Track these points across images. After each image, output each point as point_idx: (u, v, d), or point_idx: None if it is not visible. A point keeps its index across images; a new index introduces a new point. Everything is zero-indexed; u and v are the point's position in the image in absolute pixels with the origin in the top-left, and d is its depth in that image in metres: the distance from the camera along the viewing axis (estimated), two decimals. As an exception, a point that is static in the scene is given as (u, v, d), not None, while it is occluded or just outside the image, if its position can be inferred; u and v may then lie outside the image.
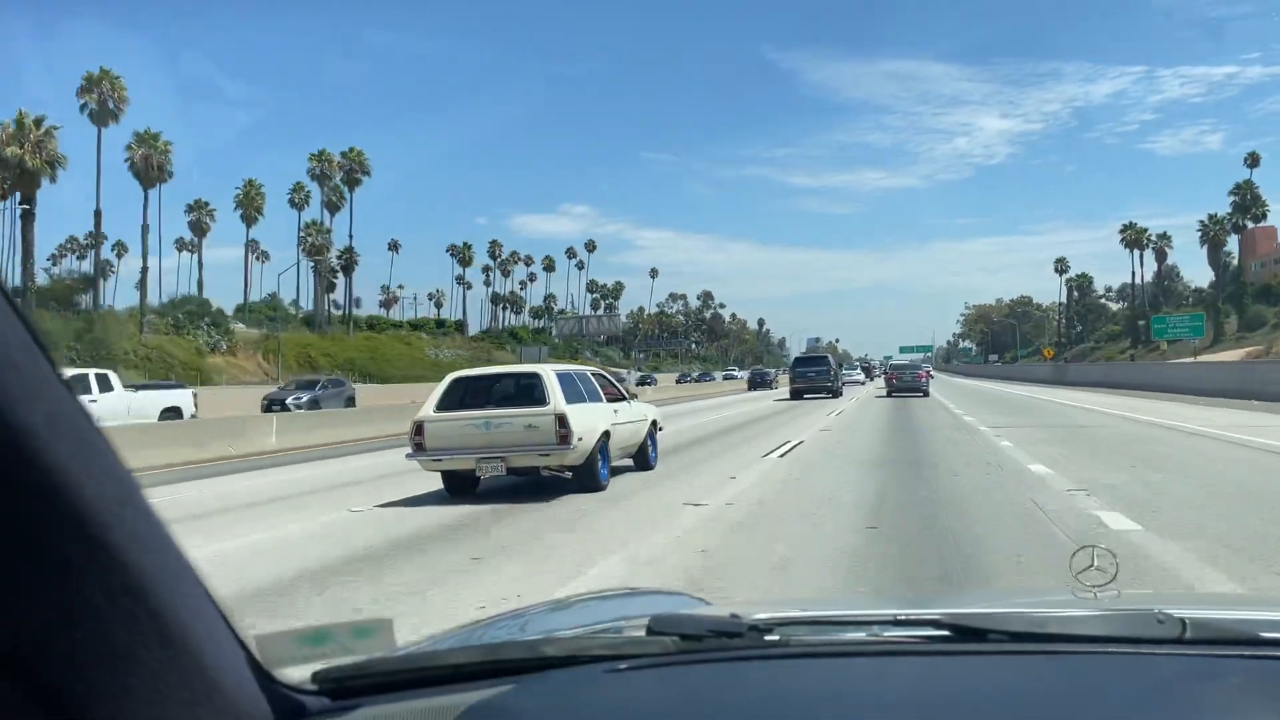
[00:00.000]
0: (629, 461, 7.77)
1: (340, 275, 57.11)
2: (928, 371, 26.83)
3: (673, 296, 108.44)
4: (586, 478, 6.38)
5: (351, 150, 52.07)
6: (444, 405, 6.49)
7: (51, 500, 0.41)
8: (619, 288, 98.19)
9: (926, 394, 23.30)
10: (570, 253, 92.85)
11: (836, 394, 26.04)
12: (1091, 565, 0.92)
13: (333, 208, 52.44)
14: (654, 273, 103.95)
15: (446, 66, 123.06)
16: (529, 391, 6.55)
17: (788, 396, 25.54)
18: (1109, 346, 67.58)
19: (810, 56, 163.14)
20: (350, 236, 55.43)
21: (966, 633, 0.72)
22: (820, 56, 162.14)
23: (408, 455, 6.35)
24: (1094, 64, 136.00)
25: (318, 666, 0.69)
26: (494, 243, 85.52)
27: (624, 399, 7.52)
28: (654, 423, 8.15)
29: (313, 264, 52.73)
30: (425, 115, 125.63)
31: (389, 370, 42.68)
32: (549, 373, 6.43)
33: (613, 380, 7.86)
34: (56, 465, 0.41)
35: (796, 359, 29.65)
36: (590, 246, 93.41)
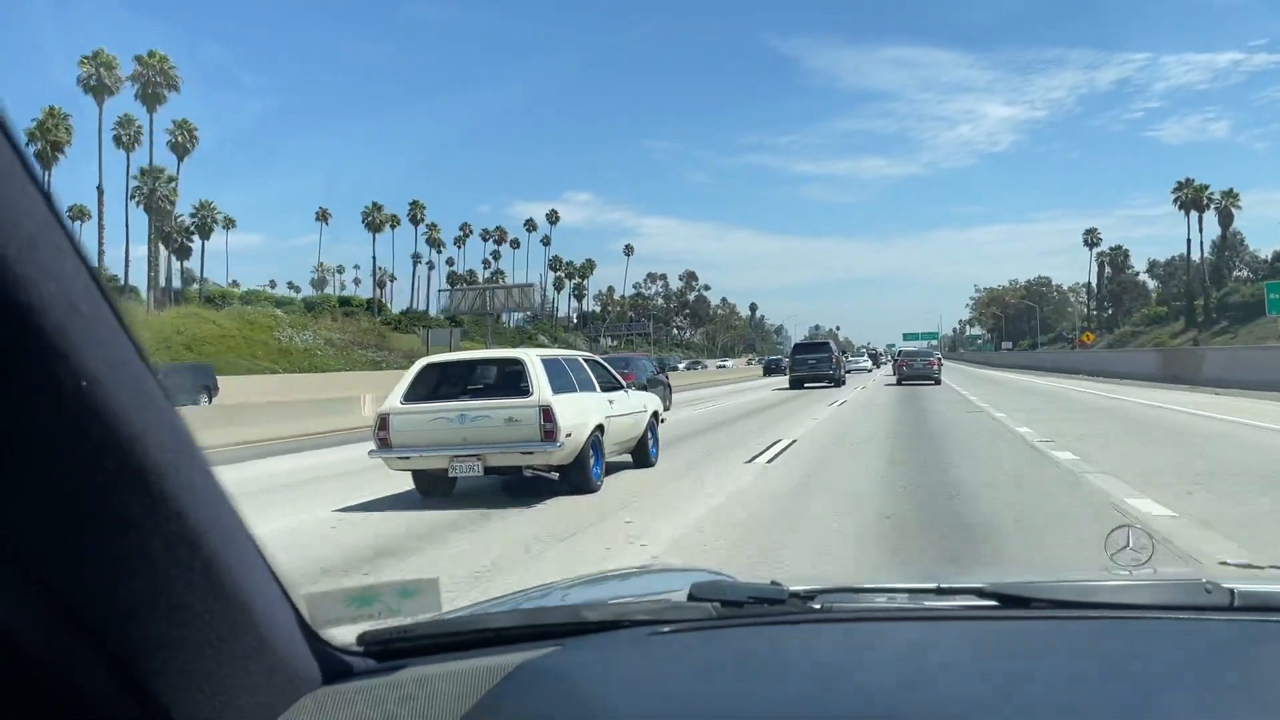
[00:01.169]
0: (627, 458, 7.75)
1: (196, 238, 53.42)
2: (939, 359, 27.75)
3: (651, 277, 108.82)
4: (577, 478, 6.31)
5: (153, 54, 43.29)
6: (412, 395, 6.34)
7: (113, 448, 0.45)
8: (589, 266, 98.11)
9: (938, 381, 24.68)
10: (529, 225, 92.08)
11: (839, 382, 26.59)
12: (1127, 546, 0.95)
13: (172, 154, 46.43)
14: (629, 250, 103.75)
15: (446, 53, 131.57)
16: (511, 381, 6.47)
17: (787, 386, 26.31)
18: (1155, 330, 61.79)
19: (812, 43, 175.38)
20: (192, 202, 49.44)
21: (1010, 600, 0.77)
22: (822, 43, 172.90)
23: (371, 452, 6.22)
24: (1099, 51, 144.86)
25: (363, 628, 0.74)
26: (464, 225, 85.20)
27: (620, 387, 7.45)
28: (654, 414, 8.12)
29: (156, 222, 46.10)
30: (426, 100, 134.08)
31: (198, 358, 35.51)
32: (534, 359, 6.32)
33: (607, 367, 7.77)
34: (118, 413, 0.45)
35: (796, 345, 30.11)
36: (552, 217, 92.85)
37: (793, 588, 0.80)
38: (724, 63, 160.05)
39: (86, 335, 0.44)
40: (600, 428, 6.64)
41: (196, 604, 0.53)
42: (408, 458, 6.09)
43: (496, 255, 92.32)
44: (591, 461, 6.51)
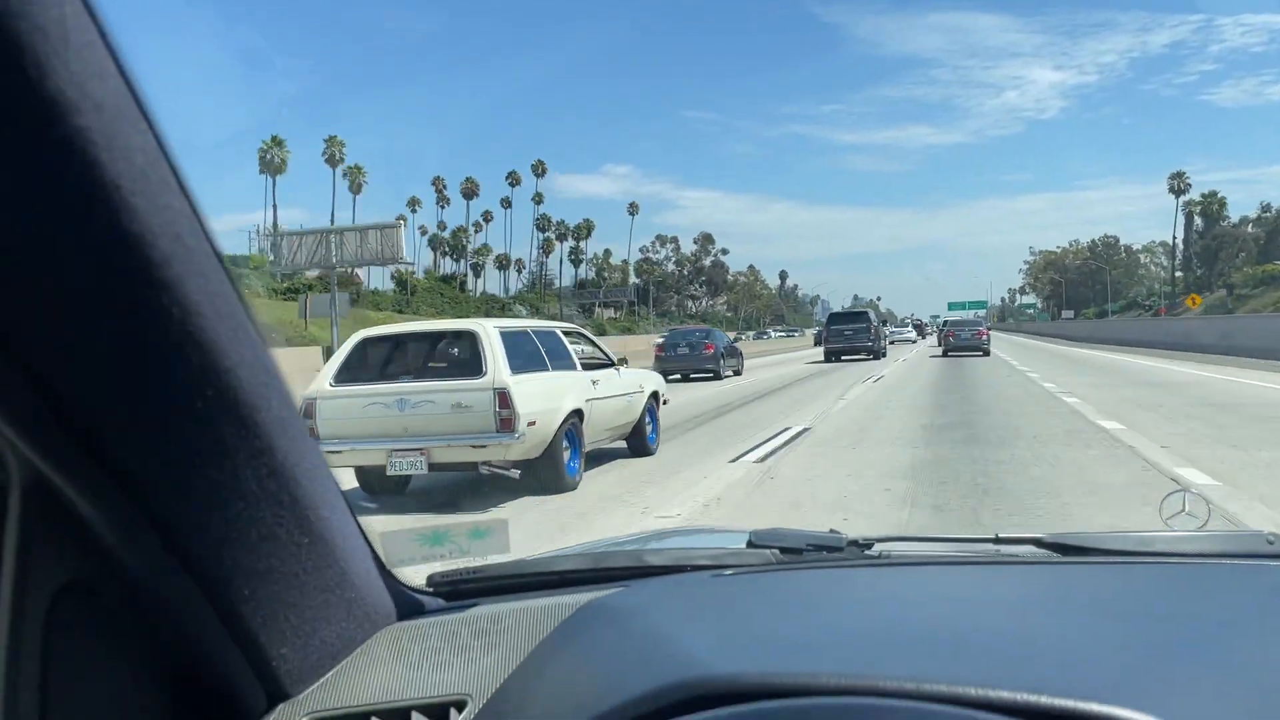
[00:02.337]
0: (622, 444, 7.47)
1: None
2: (986, 329, 28.37)
3: (660, 239, 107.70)
4: (546, 475, 5.90)
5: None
6: (344, 376, 5.94)
7: (212, 377, 0.52)
8: (587, 227, 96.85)
9: (987, 353, 25.63)
10: (512, 179, 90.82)
11: (879, 355, 26.51)
12: (1183, 510, 1.02)
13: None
14: (634, 208, 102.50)
15: (481, 26, 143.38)
16: (460, 357, 6.03)
17: (821, 359, 26.45)
18: (1269, 292, 54.43)
19: (855, 10, 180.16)
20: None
21: (1069, 549, 0.87)
22: (866, 10, 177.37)
23: None
24: (1151, 13, 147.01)
25: (431, 568, 0.87)
26: (437, 178, 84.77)
27: (610, 364, 7.16)
28: (654, 395, 7.82)
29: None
30: (462, 75, 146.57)
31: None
32: (489, 331, 5.82)
33: (594, 340, 7.45)
34: (218, 345, 0.51)
35: (831, 315, 29.78)
36: (538, 169, 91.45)
37: (850, 535, 0.92)
38: (766, 31, 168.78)
39: (189, 267, 0.50)
40: (578, 413, 6.28)
41: (283, 536, 0.61)
42: (338, 451, 5.68)
43: (487, 217, 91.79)
44: (566, 455, 6.11)
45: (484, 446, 5.53)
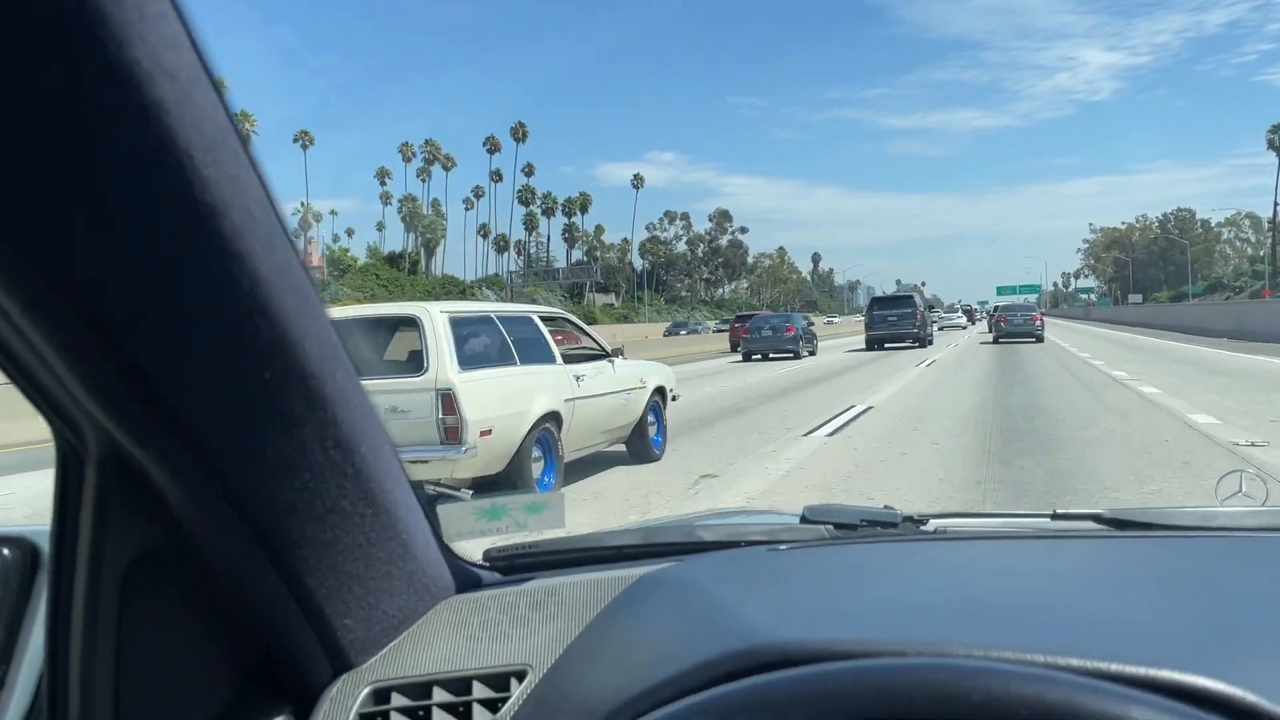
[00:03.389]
0: (621, 448, 7.20)
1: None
2: (1040, 314, 29.22)
3: (669, 216, 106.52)
4: None
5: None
6: None
7: (280, 349, 0.58)
8: (576, 203, 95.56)
9: (1041, 339, 26.30)
10: (491, 144, 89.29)
11: (924, 342, 27.08)
12: (1239, 491, 1.09)
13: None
14: (638, 180, 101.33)
15: (526, 6, 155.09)
16: (399, 350, 5.48)
17: (862, 347, 27.01)
18: None
19: None
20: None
21: (1129, 525, 0.93)
22: None
23: None
24: None
25: (488, 543, 0.97)
26: (404, 144, 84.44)
27: (603, 356, 6.82)
28: (660, 391, 7.47)
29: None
30: (504, 60, 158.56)
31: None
32: (435, 318, 5.26)
33: (583, 327, 7.09)
34: (286, 317, 0.57)
35: (873, 300, 30.01)
36: (519, 133, 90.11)
37: (905, 512, 1.00)
38: (810, 14, 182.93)
39: (259, 240, 0.55)
40: (553, 417, 5.90)
41: (348, 507, 0.68)
42: None
43: (478, 194, 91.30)
44: (537, 468, 5.62)
45: (425, 462, 4.97)
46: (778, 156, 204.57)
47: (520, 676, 0.76)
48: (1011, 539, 0.96)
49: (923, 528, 0.99)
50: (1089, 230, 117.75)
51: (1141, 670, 0.50)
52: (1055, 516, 1.00)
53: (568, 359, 6.60)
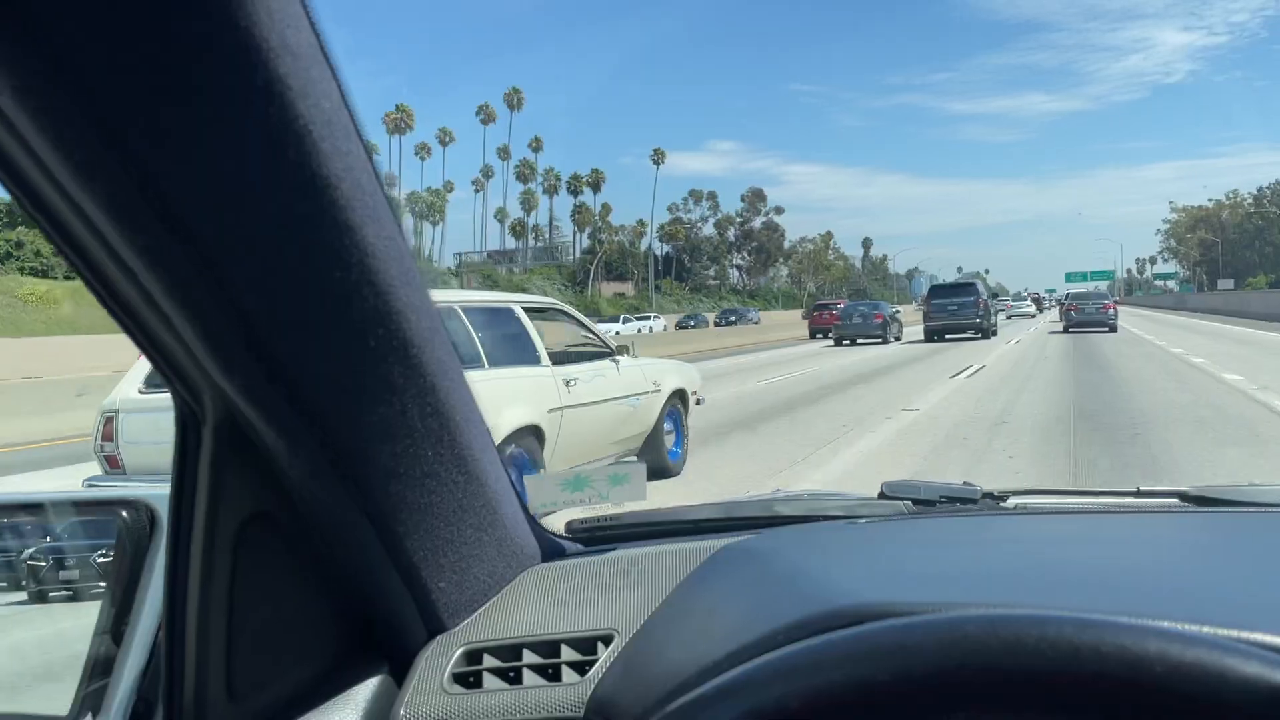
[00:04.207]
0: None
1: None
2: (1113, 302, 30.21)
3: (694, 196, 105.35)
4: None
5: None
6: (158, 376, 4.71)
7: (384, 317, 0.65)
8: (583, 181, 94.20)
9: (1114, 328, 27.18)
10: (485, 115, 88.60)
11: (987, 333, 27.55)
12: None
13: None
14: (659, 155, 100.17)
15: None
16: None
17: (910, 340, 28.09)
18: None
19: None
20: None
21: (1214, 502, 1.00)
22: None
23: (88, 481, 5.07)
24: None
25: (569, 515, 1.07)
26: (389, 114, 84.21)
27: (606, 355, 6.50)
28: (679, 395, 7.15)
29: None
30: (564, 49, 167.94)
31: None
32: None
33: (583, 321, 6.73)
34: (390, 287, 0.64)
35: (933, 288, 31.11)
36: (513, 100, 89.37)
37: (985, 488, 1.10)
38: None
39: (367, 212, 0.61)
40: (533, 431, 5.36)
41: (444, 473, 0.76)
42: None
43: (488, 172, 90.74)
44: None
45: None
46: (841, 144, 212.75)
47: (607, 640, 0.83)
48: (1095, 514, 1.04)
49: (1003, 504, 1.09)
50: (1169, 210, 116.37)
51: (1237, 633, 0.53)
52: (1139, 494, 1.08)
53: (560, 359, 6.02)
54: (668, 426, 6.94)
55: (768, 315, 61.00)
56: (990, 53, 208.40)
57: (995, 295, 40.61)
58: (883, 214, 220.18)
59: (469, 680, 0.81)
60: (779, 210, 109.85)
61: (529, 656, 0.82)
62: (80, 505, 0.92)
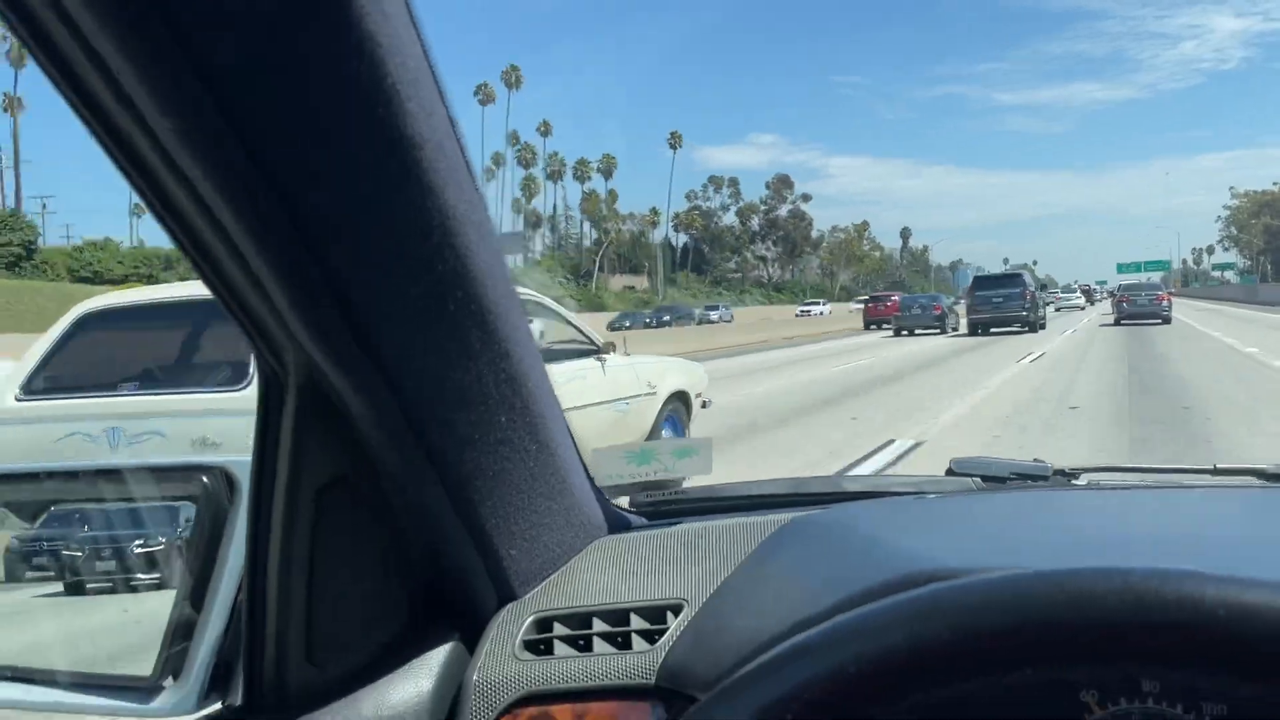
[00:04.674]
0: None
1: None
2: (1167, 293, 30.95)
3: (714, 182, 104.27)
4: None
5: None
6: (42, 382, 4.51)
7: (463, 281, 0.68)
8: (606, 164, 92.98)
9: (1168, 320, 27.92)
10: (485, 95, 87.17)
11: (1035, 326, 27.26)
12: None
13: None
14: (675, 140, 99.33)
15: None
16: (223, 351, 4.24)
17: (965, 331, 28.28)
18: None
19: None
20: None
21: None
22: None
23: None
24: None
25: (636, 488, 1.12)
26: None
27: (592, 351, 6.13)
28: (680, 397, 6.72)
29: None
30: (599, 40, 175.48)
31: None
32: None
33: (563, 313, 6.32)
34: (470, 250, 0.67)
35: (976, 279, 31.17)
36: (510, 78, 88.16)
37: (1057, 465, 1.12)
38: None
39: (449, 175, 0.64)
40: None
41: (516, 441, 0.79)
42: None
43: (498, 159, 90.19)
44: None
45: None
46: (884, 136, 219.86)
47: (676, 610, 0.85)
48: (1171, 489, 1.08)
49: (1074, 481, 1.12)
50: (1229, 196, 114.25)
51: None
52: (1215, 471, 1.11)
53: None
54: (666, 432, 6.55)
55: (775, 310, 60.54)
56: (1037, 41, 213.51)
57: (1043, 287, 40.96)
58: (926, 207, 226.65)
59: (539, 647, 0.84)
60: (806, 198, 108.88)
61: (599, 625, 0.85)
62: (158, 471, 0.94)
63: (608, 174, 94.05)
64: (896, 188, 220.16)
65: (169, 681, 0.76)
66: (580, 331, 6.32)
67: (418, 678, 0.79)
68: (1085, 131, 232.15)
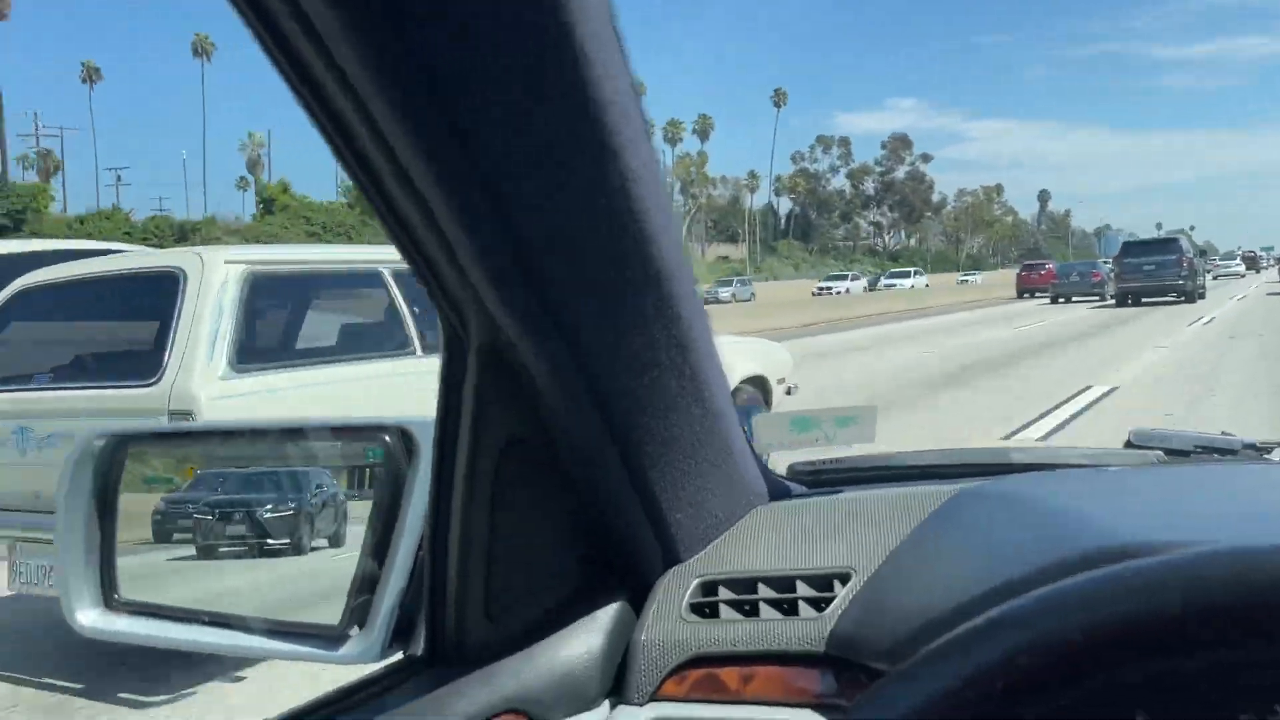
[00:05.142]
0: None
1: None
2: None
3: (821, 142, 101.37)
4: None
5: None
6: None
7: (641, 247, 0.70)
8: (702, 125, 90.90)
9: None
10: None
11: (1192, 296, 26.40)
12: None
13: None
14: (779, 97, 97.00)
15: None
16: (138, 338, 3.80)
17: (1112, 302, 28.44)
18: None
19: None
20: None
21: None
22: None
23: None
24: None
25: (794, 457, 1.16)
26: None
27: None
28: (757, 382, 6.04)
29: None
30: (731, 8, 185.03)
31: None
32: (207, 272, 3.62)
33: None
34: (648, 213, 0.69)
35: (1126, 244, 30.32)
36: None
37: (1247, 439, 1.13)
38: None
39: (632, 137, 0.66)
40: None
41: (684, 406, 0.81)
42: None
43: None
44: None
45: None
46: (1030, 97, 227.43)
47: (844, 579, 0.86)
48: None
49: (1267, 456, 1.10)
50: None
51: None
52: None
53: None
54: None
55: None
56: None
57: (1202, 253, 38.78)
58: (1071, 170, 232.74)
59: (704, 610, 0.86)
60: (926, 158, 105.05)
61: (764, 590, 0.87)
62: (339, 431, 0.98)
63: (703, 135, 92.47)
64: (1040, 151, 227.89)
65: (354, 631, 0.81)
66: None
67: (588, 636, 0.84)
68: (1251, 88, 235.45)
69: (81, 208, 70.89)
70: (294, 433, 1.02)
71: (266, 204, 67.61)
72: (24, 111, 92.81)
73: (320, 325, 4.41)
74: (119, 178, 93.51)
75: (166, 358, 3.46)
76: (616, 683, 0.84)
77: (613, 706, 0.84)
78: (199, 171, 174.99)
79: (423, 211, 0.65)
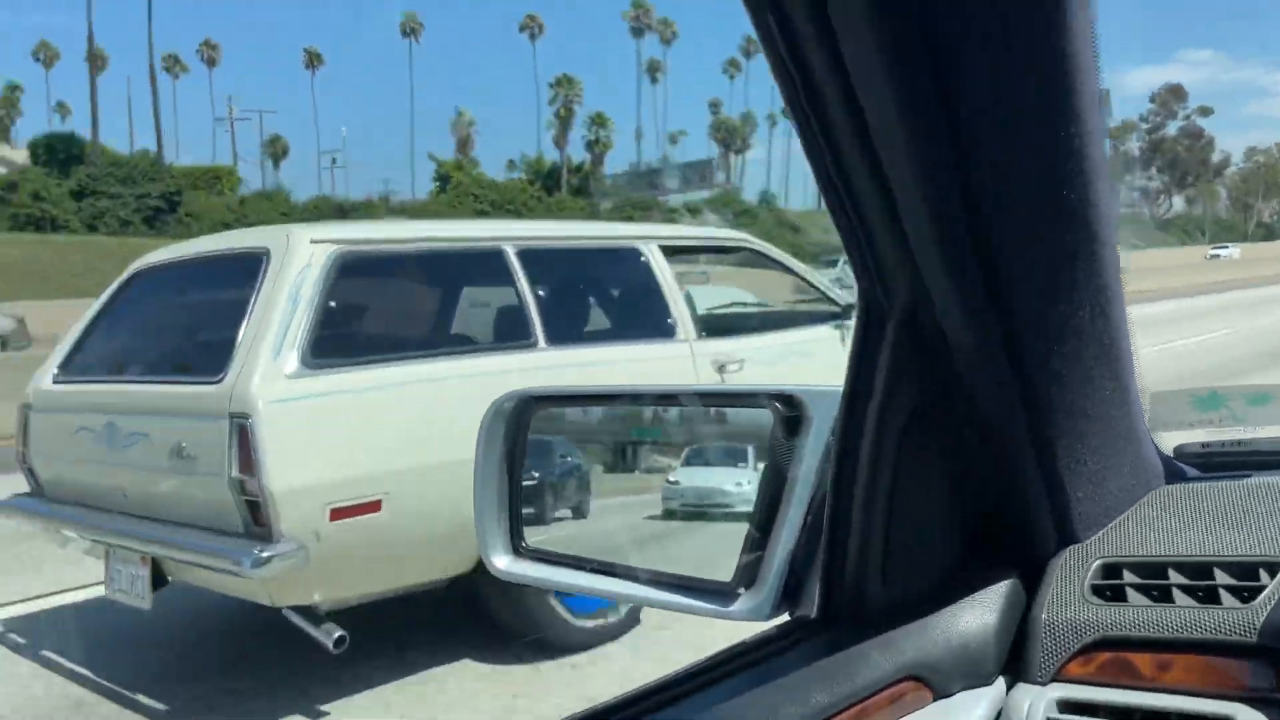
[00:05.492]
0: None
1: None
2: None
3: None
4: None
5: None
6: (79, 359, 4.22)
7: (1078, 211, 0.70)
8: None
9: None
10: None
11: None
12: None
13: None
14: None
15: None
16: (223, 328, 3.58)
17: None
18: None
19: None
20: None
21: None
22: None
23: (17, 499, 4.35)
24: None
25: (1182, 438, 1.10)
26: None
27: (830, 317, 5.15)
28: None
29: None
30: None
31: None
32: (293, 256, 3.38)
33: (786, 262, 5.41)
34: (1091, 177, 0.68)
35: None
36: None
37: None
38: None
39: (1088, 98, 0.65)
40: None
41: (1098, 379, 0.81)
42: (60, 519, 4.04)
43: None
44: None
45: (236, 566, 3.05)
46: None
47: (1272, 569, 0.82)
48: None
49: None
50: None
51: None
52: None
53: (715, 328, 4.73)
54: None
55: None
56: None
57: None
58: None
59: (1106, 593, 0.85)
60: (1205, 111, 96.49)
61: (1175, 576, 0.85)
62: (727, 397, 1.05)
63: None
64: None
65: (743, 589, 0.84)
66: (814, 287, 5.33)
67: (982, 610, 0.84)
68: None
69: (303, 194, 75.96)
70: (669, 398, 1.09)
71: (442, 181, 70.17)
72: (224, 94, 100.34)
73: (428, 314, 4.15)
74: (334, 160, 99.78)
75: (234, 352, 3.25)
76: (1010, 660, 0.84)
77: (1009, 684, 0.83)
78: (406, 152, 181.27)
79: (874, 175, 0.67)
